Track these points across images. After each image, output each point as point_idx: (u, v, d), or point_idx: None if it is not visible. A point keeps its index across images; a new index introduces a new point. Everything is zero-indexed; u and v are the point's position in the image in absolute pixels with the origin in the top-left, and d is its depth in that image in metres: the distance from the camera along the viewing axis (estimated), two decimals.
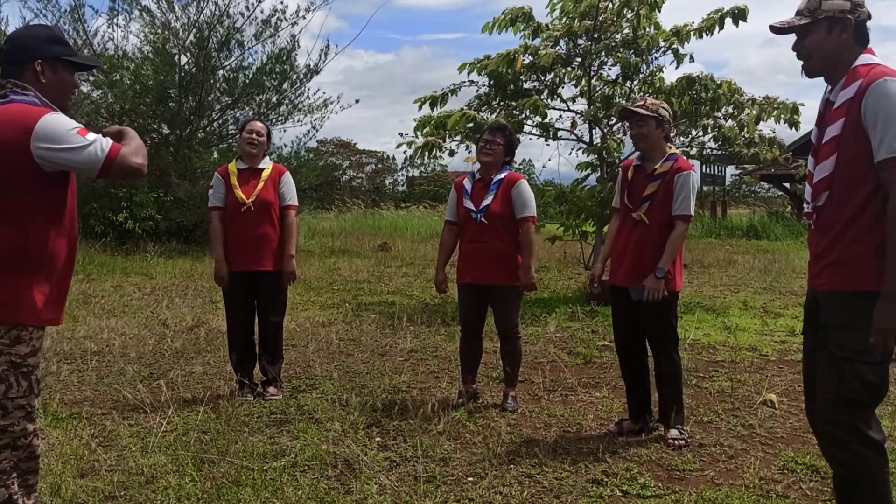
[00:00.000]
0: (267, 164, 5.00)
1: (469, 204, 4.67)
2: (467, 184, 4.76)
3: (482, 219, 4.59)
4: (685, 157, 4.19)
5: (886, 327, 2.33)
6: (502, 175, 4.67)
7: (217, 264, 4.89)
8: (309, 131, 17.47)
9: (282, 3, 24.25)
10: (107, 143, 2.44)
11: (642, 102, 4.15)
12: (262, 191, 4.88)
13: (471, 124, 8.34)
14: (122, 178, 2.53)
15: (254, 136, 4.89)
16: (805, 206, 2.65)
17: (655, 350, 4.12)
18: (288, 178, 5.03)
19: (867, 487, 2.45)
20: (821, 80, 2.59)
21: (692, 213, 4.05)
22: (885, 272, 2.33)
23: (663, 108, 4.11)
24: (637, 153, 4.25)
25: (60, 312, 2.60)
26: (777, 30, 2.58)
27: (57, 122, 2.41)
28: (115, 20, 15.16)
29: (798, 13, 2.54)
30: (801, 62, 2.59)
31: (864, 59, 2.46)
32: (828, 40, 2.49)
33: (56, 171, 2.46)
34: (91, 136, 2.43)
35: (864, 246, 2.41)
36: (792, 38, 2.60)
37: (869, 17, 2.52)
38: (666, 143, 4.14)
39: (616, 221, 4.31)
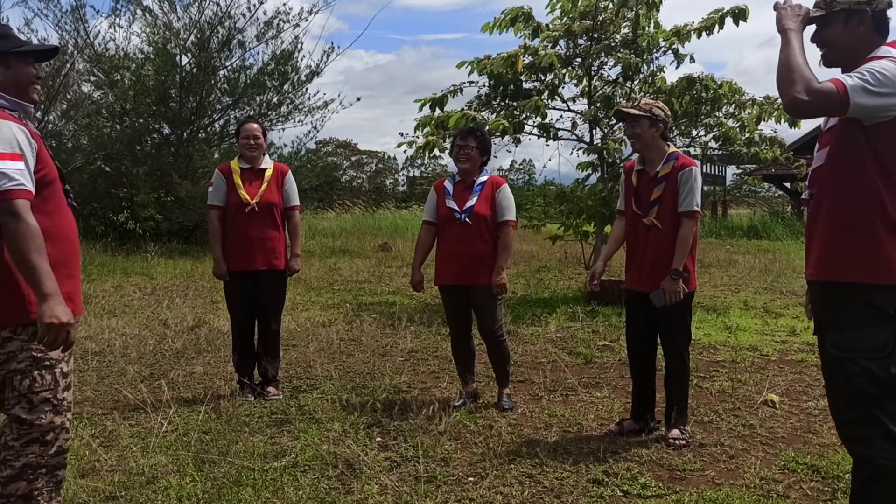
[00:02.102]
0: (268, 164, 5.05)
1: (452, 204, 4.67)
2: (448, 185, 4.76)
3: (466, 219, 4.60)
4: (686, 155, 4.18)
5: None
6: (484, 178, 4.69)
7: (216, 263, 4.94)
8: (310, 132, 17.50)
9: (284, 4, 24.33)
10: (15, 183, 2.30)
11: (636, 102, 4.15)
12: (266, 191, 4.92)
13: (472, 124, 8.34)
14: None
15: (251, 141, 4.94)
16: (805, 192, 2.65)
17: (667, 348, 4.12)
18: (290, 178, 5.10)
19: (890, 487, 2.39)
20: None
21: (698, 209, 4.01)
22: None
23: (657, 107, 4.08)
24: (638, 156, 4.24)
25: (76, 306, 2.58)
26: None
27: None
28: (116, 21, 15.17)
29: (816, 5, 2.55)
30: (819, 52, 2.59)
31: (882, 51, 2.42)
32: (844, 32, 2.47)
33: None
34: (8, 165, 2.30)
35: (847, 233, 2.41)
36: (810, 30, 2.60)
37: (889, 5, 2.49)
38: (664, 143, 4.12)
39: (620, 223, 4.31)
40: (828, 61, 2.57)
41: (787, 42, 2.37)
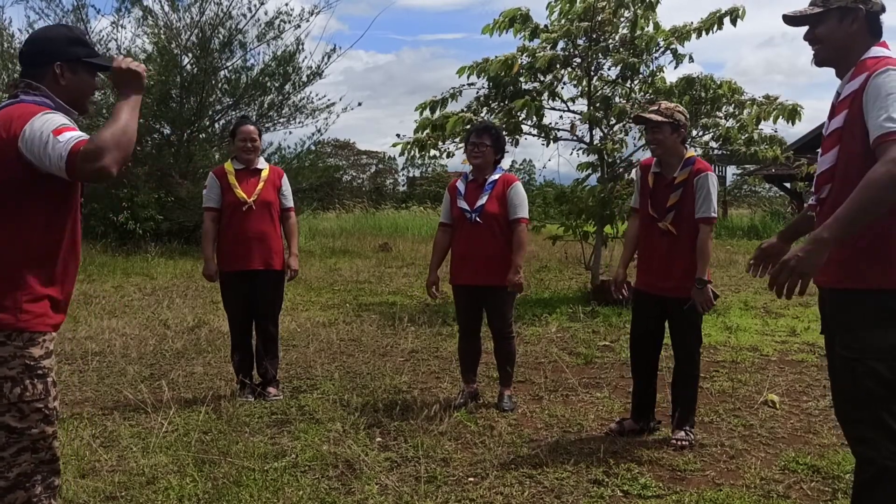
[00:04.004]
0: (264, 165, 5.09)
1: (463, 204, 4.67)
2: (460, 185, 4.76)
3: (476, 218, 4.60)
4: (703, 159, 4.15)
5: (794, 264, 2.22)
6: (496, 176, 4.68)
7: (206, 263, 4.97)
8: (314, 133, 17.52)
9: (286, 4, 24.34)
10: (73, 139, 2.25)
11: (657, 108, 4.08)
12: (263, 191, 4.94)
13: (468, 126, 8.36)
14: (89, 181, 2.31)
15: (248, 143, 4.96)
16: (811, 198, 2.64)
17: (679, 352, 4.11)
18: (286, 180, 5.15)
19: (894, 489, 2.37)
20: (819, 81, 2.60)
21: (715, 215, 3.99)
22: (834, 217, 2.24)
23: (679, 111, 4.04)
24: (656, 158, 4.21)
25: (63, 316, 2.58)
26: (790, 19, 2.60)
27: (43, 120, 2.30)
28: (119, 22, 15.17)
29: (812, 3, 2.56)
30: (812, 51, 2.59)
31: (874, 51, 2.44)
32: (838, 30, 2.49)
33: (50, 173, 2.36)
34: (67, 135, 2.26)
35: (865, 243, 2.40)
36: (803, 30, 2.60)
37: (883, 9, 2.50)
38: (683, 147, 4.09)
39: (635, 222, 4.28)
40: (819, 59, 2.58)
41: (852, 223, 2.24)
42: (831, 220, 2.24)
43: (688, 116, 4.10)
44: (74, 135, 2.28)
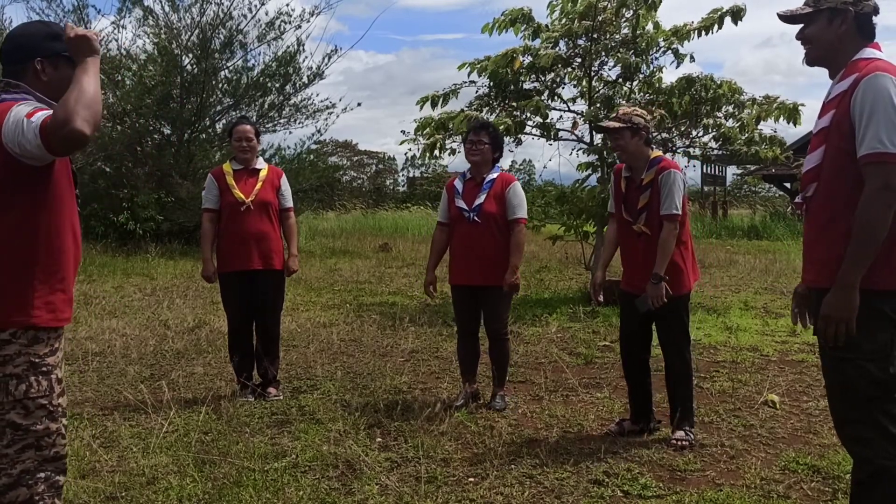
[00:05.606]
0: (262, 165, 5.09)
1: (461, 203, 4.66)
2: (458, 184, 4.76)
3: (475, 217, 4.59)
4: (669, 158, 4.18)
5: (830, 315, 2.36)
6: (494, 175, 4.68)
7: (204, 264, 4.97)
8: (313, 134, 17.53)
9: (287, 5, 24.32)
10: (42, 115, 2.25)
11: (614, 115, 4.13)
12: (261, 190, 4.94)
13: (481, 121, 8.35)
14: (67, 148, 2.27)
15: (244, 143, 4.97)
16: (797, 197, 2.66)
17: (668, 351, 4.12)
18: (285, 180, 5.14)
19: (891, 488, 2.38)
20: (818, 81, 2.61)
21: (678, 212, 3.97)
22: (844, 261, 2.35)
23: (636, 115, 4.07)
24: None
25: (70, 312, 2.58)
26: (783, 17, 2.62)
27: (16, 111, 2.30)
28: (120, 22, 15.17)
29: (805, 3, 2.58)
30: (803, 50, 2.61)
31: (866, 52, 2.46)
32: (828, 30, 2.51)
33: (41, 164, 2.36)
34: (38, 115, 2.26)
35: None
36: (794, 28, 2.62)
37: (875, 11, 2.52)
38: (648, 149, 4.11)
39: (613, 225, 4.31)
40: (810, 59, 2.60)
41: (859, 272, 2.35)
42: (846, 264, 2.35)
43: (647, 119, 4.14)
44: (45, 112, 2.27)
